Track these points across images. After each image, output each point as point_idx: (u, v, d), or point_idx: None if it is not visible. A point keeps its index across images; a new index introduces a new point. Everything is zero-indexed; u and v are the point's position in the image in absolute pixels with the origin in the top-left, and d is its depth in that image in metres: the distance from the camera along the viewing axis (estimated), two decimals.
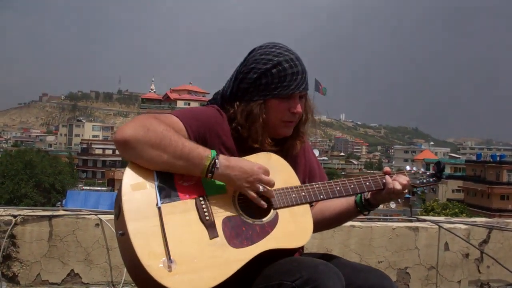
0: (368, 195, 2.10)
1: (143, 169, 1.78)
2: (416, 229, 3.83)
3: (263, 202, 1.84)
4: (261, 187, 1.83)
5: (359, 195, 2.12)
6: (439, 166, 2.18)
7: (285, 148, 2.08)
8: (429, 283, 3.81)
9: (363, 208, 2.12)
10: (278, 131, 2.04)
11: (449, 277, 3.85)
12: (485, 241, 4.04)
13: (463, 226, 3.94)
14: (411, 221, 4.02)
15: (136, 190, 1.74)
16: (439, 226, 3.86)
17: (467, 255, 3.91)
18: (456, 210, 37.00)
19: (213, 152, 1.80)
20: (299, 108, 2.01)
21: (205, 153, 1.78)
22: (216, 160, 1.78)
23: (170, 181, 1.79)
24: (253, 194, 1.83)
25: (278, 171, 1.97)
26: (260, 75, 1.96)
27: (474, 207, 49.93)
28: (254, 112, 1.96)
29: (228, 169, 1.80)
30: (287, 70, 1.95)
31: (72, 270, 3.35)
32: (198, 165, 1.77)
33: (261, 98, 1.97)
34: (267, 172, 1.86)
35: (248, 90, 1.98)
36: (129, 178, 1.76)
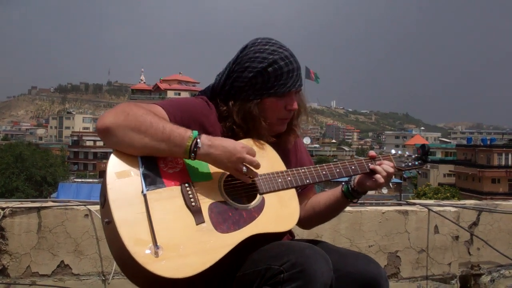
0: (354, 184, 2.09)
1: (127, 157, 1.77)
2: (405, 212, 3.84)
3: (248, 178, 1.84)
4: (244, 168, 1.81)
5: (346, 186, 2.11)
6: (424, 149, 2.19)
7: (280, 143, 2.07)
8: (420, 266, 3.83)
9: (350, 196, 2.10)
10: (273, 128, 2.03)
11: (439, 260, 3.87)
12: (475, 224, 4.06)
13: (452, 209, 3.95)
14: (400, 205, 4.02)
15: (121, 178, 1.73)
16: (429, 209, 3.87)
17: (457, 238, 3.93)
18: (448, 194, 37.26)
19: (195, 132, 1.78)
20: (295, 105, 2.00)
21: (187, 134, 1.76)
22: (198, 140, 1.76)
23: (155, 168, 1.77)
24: (236, 173, 1.83)
25: (263, 156, 1.96)
26: (256, 74, 1.94)
27: (465, 191, 50.42)
28: (253, 113, 1.95)
29: (210, 148, 1.77)
30: (283, 68, 1.94)
31: (62, 262, 3.33)
32: (180, 146, 1.75)
33: (257, 97, 1.95)
34: (251, 151, 1.84)
35: (243, 89, 1.96)
36: (114, 166, 1.76)
